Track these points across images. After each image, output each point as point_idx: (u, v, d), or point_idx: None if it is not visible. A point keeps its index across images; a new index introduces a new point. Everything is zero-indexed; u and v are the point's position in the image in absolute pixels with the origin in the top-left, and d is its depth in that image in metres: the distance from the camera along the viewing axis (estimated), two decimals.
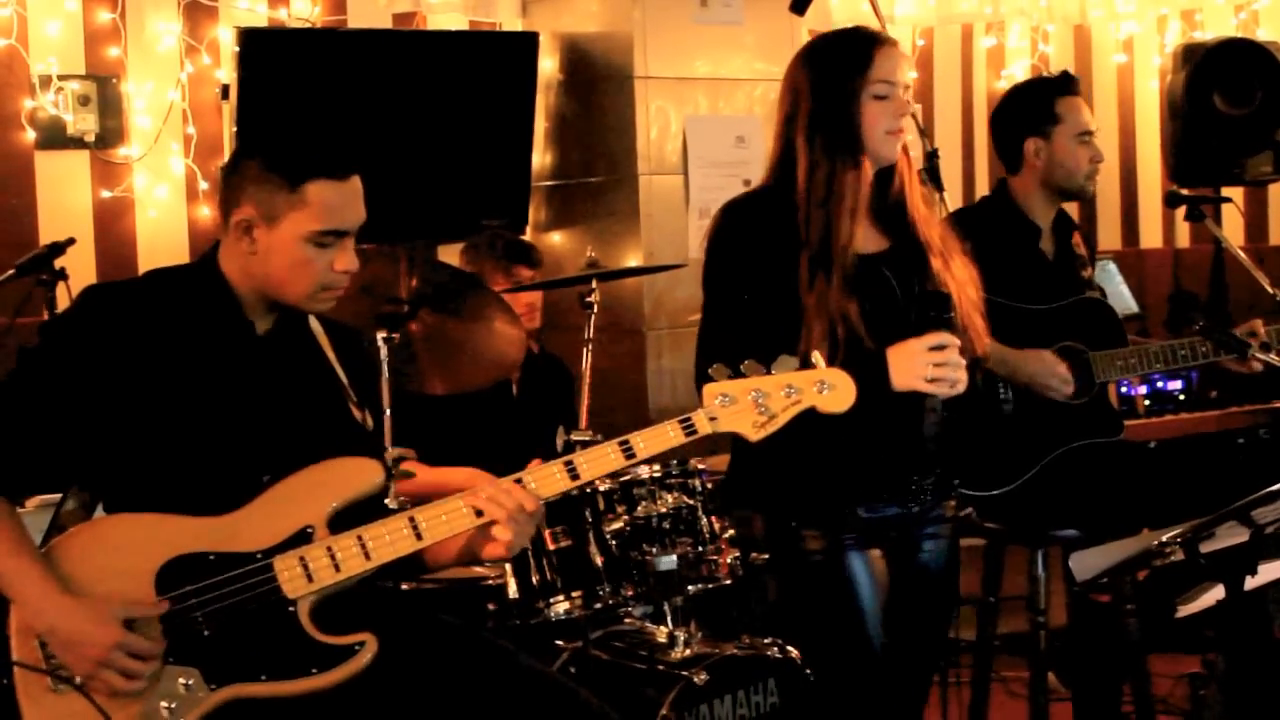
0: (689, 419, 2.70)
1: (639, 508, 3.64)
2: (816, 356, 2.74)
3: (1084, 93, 4.19)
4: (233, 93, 4.90)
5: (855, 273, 3.08)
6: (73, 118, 4.98)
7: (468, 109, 5.31)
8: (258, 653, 2.62)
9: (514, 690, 2.82)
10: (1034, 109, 4.06)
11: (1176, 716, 4.63)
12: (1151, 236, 7.17)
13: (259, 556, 2.65)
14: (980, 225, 4.06)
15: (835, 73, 3.13)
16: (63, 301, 4.28)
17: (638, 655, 3.61)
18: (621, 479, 3.65)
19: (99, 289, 2.87)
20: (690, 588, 3.62)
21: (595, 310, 4.34)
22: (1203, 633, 4.41)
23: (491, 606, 3.77)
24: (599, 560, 3.61)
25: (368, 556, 2.66)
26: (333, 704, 2.65)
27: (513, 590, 3.63)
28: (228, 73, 5.08)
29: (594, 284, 4.33)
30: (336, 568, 2.65)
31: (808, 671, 3.47)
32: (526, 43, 5.48)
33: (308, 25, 5.31)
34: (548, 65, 5.63)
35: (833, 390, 2.72)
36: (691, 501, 3.69)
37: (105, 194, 5.08)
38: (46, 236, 4.76)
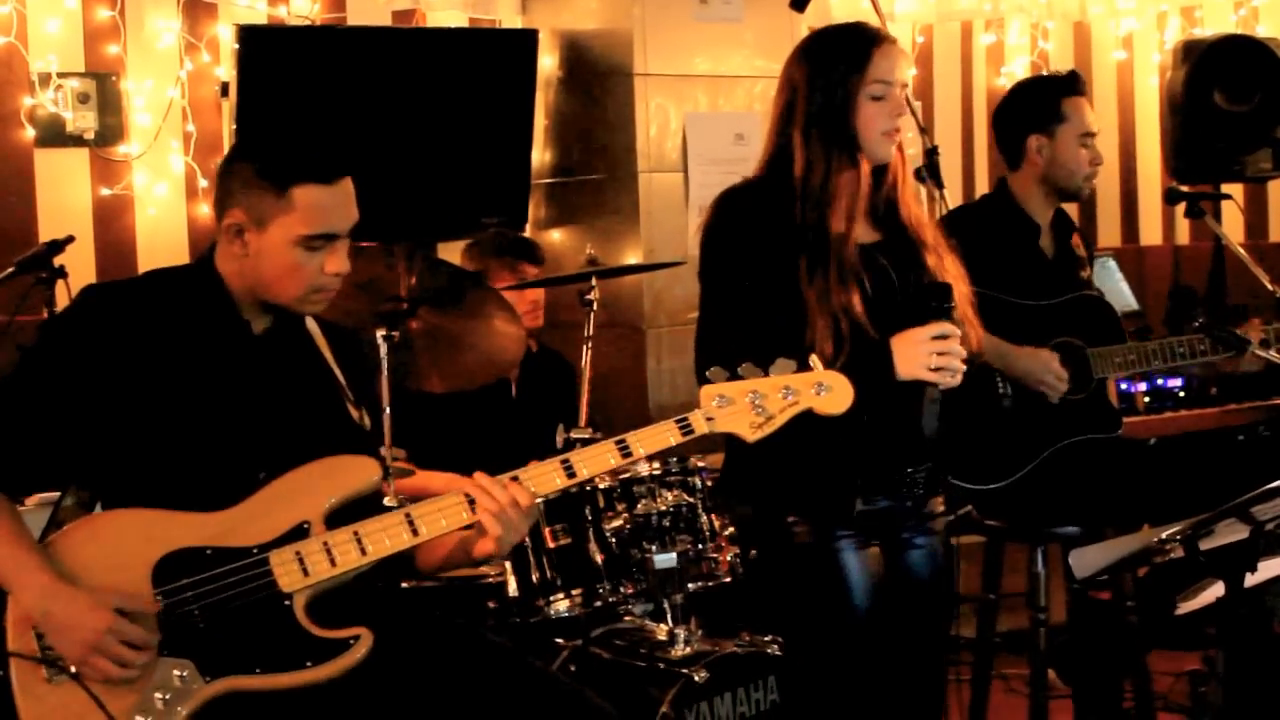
0: (686, 419, 2.71)
1: (639, 505, 3.64)
2: (814, 359, 2.75)
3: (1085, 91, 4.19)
4: (232, 90, 4.90)
5: (854, 263, 3.08)
6: (72, 115, 4.98)
7: (467, 106, 5.30)
8: (252, 646, 2.63)
9: (514, 688, 2.82)
10: (1039, 106, 4.06)
11: (1176, 714, 4.62)
12: (1151, 233, 7.17)
13: (255, 551, 2.66)
14: (980, 222, 4.08)
15: (832, 71, 3.11)
16: (62, 300, 4.28)
17: (638, 653, 3.61)
18: (621, 477, 3.65)
19: (97, 288, 2.88)
20: (690, 585, 3.62)
21: (595, 308, 4.35)
22: (1203, 630, 4.41)
23: (491, 605, 3.78)
24: (599, 558, 3.61)
25: (363, 551, 2.67)
26: (332, 702, 2.66)
27: (513, 588, 3.63)
28: (227, 70, 5.08)
29: (594, 282, 4.33)
30: (332, 562, 2.66)
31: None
32: (526, 40, 5.48)
33: (307, 23, 5.31)
34: (547, 62, 5.63)
35: (830, 392, 2.72)
36: (691, 499, 3.69)
37: (105, 192, 5.08)
38: (46, 234, 4.76)
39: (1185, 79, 5.82)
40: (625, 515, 3.63)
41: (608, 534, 3.62)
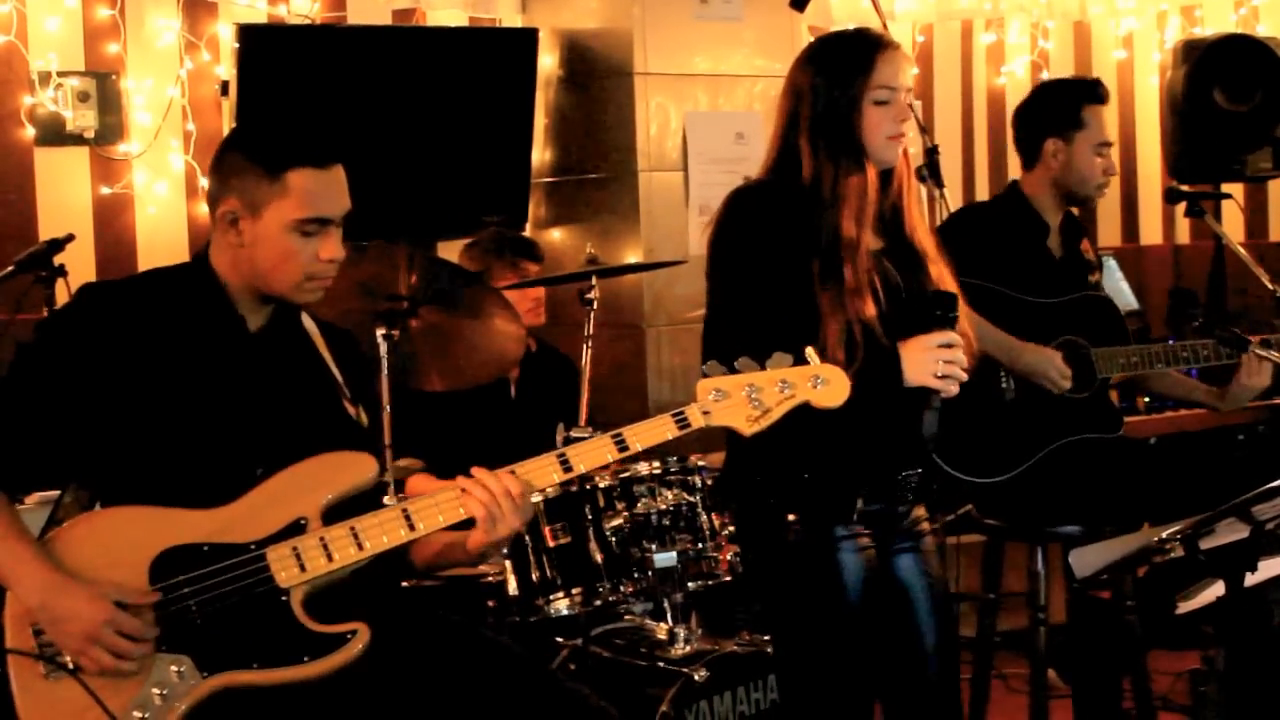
0: (682, 413, 2.70)
1: (639, 504, 3.64)
2: (811, 352, 2.75)
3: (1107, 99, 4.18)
4: (232, 89, 4.90)
5: (868, 269, 3.08)
6: (72, 114, 4.98)
7: (467, 105, 5.31)
8: (250, 641, 2.63)
9: (513, 687, 2.82)
10: (1060, 110, 4.07)
11: (1176, 713, 4.62)
12: (1151, 233, 7.17)
13: (252, 547, 2.66)
14: (990, 219, 4.12)
15: (836, 77, 3.13)
16: (62, 298, 4.28)
17: (638, 652, 3.62)
18: (621, 476, 3.65)
19: (95, 287, 2.88)
20: (690, 584, 3.62)
21: (595, 307, 4.35)
22: (1203, 629, 4.40)
23: (491, 603, 3.78)
24: (599, 557, 3.61)
25: (360, 546, 2.67)
26: (332, 700, 2.66)
27: (512, 587, 3.63)
28: (227, 69, 5.08)
29: (594, 280, 4.33)
30: (329, 558, 2.66)
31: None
32: (526, 39, 5.48)
33: (307, 22, 5.31)
34: (547, 61, 5.63)
35: (826, 385, 2.72)
36: (691, 498, 3.69)
37: (104, 190, 5.08)
38: (46, 233, 4.76)
39: (1185, 78, 5.82)
40: (625, 514, 3.63)
41: (608, 533, 3.62)
